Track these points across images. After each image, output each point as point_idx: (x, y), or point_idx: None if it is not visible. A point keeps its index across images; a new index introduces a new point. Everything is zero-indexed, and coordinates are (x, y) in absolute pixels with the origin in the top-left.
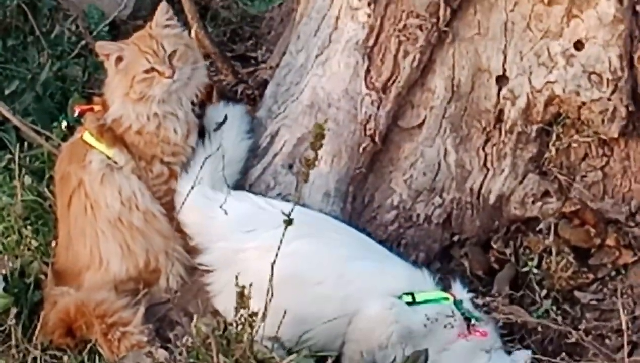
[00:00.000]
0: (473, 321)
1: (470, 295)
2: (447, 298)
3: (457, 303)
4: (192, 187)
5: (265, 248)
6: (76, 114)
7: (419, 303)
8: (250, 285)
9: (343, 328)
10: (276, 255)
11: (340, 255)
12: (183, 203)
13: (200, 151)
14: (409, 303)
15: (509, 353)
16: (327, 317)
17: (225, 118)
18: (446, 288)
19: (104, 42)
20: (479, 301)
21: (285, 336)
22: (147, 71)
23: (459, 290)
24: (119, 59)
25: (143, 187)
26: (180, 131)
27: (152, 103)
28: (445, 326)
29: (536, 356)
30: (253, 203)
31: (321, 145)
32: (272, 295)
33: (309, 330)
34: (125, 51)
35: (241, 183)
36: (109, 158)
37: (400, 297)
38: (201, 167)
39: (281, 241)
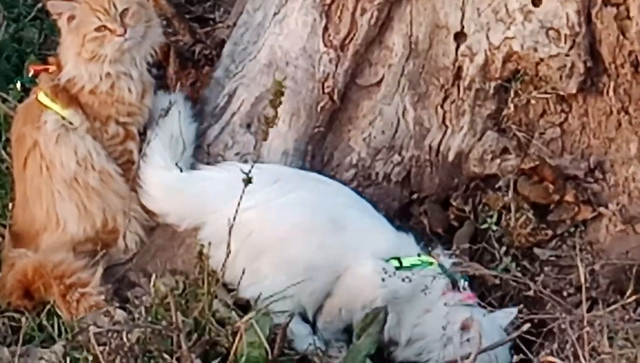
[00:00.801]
0: (461, 283)
1: (453, 259)
2: (432, 263)
3: (442, 266)
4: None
5: (264, 206)
6: (31, 74)
7: (406, 268)
8: None
9: (333, 283)
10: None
11: (336, 202)
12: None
13: (155, 138)
14: (396, 268)
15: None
16: (330, 265)
17: (171, 103)
18: (428, 252)
19: (56, 1)
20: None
21: (294, 288)
22: (98, 29)
23: (441, 254)
24: (71, 18)
25: (99, 146)
26: (135, 91)
27: (104, 62)
28: (423, 292)
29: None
30: (239, 170)
31: (280, 103)
32: (229, 253)
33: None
34: (77, 9)
35: (199, 144)
36: (63, 118)
37: (387, 261)
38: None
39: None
